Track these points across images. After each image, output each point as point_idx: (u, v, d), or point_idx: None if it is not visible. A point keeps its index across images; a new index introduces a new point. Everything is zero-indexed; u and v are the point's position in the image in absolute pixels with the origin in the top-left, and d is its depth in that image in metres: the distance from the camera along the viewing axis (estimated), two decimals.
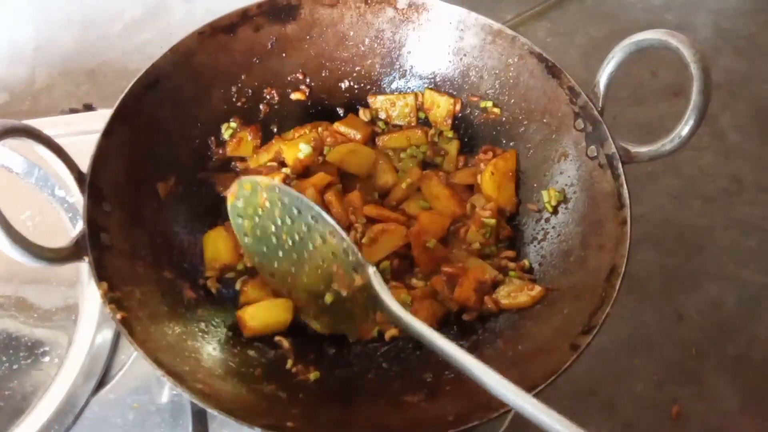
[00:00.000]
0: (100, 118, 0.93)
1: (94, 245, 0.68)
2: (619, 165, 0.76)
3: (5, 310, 0.87)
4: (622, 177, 0.76)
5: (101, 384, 0.84)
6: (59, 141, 1.06)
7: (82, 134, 1.07)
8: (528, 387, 0.62)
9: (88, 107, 1.17)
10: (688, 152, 1.37)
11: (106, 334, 0.86)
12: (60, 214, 0.98)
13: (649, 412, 1.08)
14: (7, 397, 0.81)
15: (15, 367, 0.83)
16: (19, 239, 0.59)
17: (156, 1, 1.51)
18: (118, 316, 0.64)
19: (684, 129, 0.73)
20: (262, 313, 0.78)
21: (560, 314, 0.72)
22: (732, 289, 1.20)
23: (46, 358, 0.85)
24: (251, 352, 0.75)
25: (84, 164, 0.74)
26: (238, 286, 0.82)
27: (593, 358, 1.06)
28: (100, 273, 0.66)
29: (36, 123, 1.09)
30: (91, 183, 0.71)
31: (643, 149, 0.77)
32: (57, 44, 1.45)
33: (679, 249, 1.27)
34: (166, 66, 0.82)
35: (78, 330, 0.87)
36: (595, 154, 0.79)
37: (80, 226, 0.68)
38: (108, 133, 0.75)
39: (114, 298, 0.65)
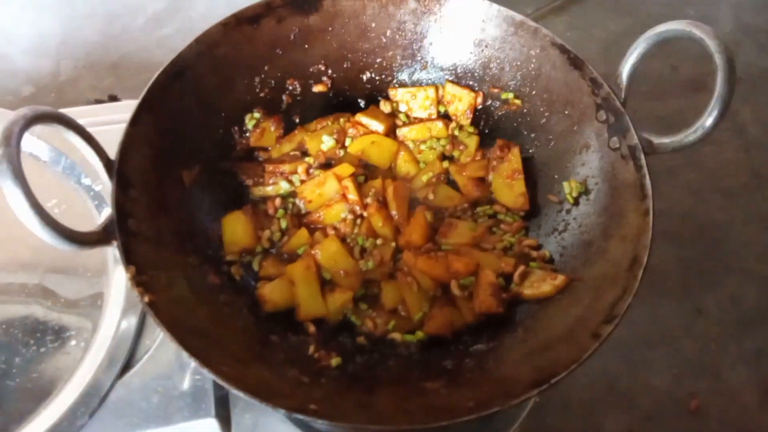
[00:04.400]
0: (125, 108, 0.94)
1: (122, 230, 0.69)
2: (642, 156, 0.76)
3: (32, 297, 0.89)
4: (645, 168, 0.76)
5: (126, 368, 0.85)
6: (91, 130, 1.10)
7: (107, 124, 1.09)
8: (548, 375, 0.63)
9: (113, 98, 1.18)
10: (708, 147, 1.37)
11: (131, 320, 0.87)
12: (86, 202, 1.00)
13: (668, 405, 1.08)
14: (35, 379, 0.83)
15: (42, 350, 0.85)
16: (49, 221, 0.60)
17: None
18: (146, 298, 0.65)
19: (708, 120, 0.73)
20: (280, 287, 0.80)
21: (581, 304, 0.72)
22: (752, 284, 1.19)
23: (72, 342, 0.86)
24: (274, 338, 0.76)
25: (110, 153, 0.75)
26: (255, 266, 0.84)
27: (611, 352, 1.06)
28: (128, 257, 0.67)
29: (66, 113, 1.12)
30: (119, 170, 0.72)
31: (666, 140, 0.77)
32: (81, 38, 1.48)
33: (699, 243, 1.26)
34: (190, 57, 0.83)
35: (104, 316, 0.88)
36: (618, 145, 0.79)
37: (107, 212, 0.70)
38: (135, 121, 0.76)
39: (141, 282, 0.66)
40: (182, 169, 0.82)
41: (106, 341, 0.86)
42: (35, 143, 1.01)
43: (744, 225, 1.28)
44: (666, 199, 1.26)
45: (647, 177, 0.75)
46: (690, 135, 0.75)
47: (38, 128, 0.68)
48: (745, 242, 1.26)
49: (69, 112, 1.11)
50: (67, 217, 0.98)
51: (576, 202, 0.83)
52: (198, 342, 0.65)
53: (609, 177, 0.80)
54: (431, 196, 0.91)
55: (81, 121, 1.10)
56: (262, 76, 0.92)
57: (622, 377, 1.06)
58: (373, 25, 0.94)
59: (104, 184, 0.80)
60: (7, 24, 1.49)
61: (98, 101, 1.17)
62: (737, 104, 1.46)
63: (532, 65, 0.89)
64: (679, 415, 1.07)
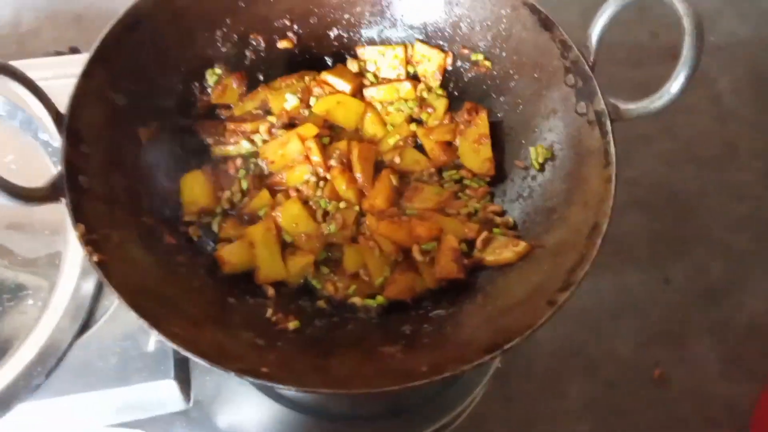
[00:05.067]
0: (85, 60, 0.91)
1: (72, 187, 0.67)
2: (608, 122, 0.75)
3: None
4: (610, 134, 0.74)
5: (84, 328, 0.84)
6: (44, 84, 1.04)
7: (67, 78, 1.06)
8: (503, 341, 0.63)
9: (74, 50, 1.14)
10: (683, 115, 1.36)
11: (90, 280, 0.86)
12: (44, 158, 0.97)
13: (631, 373, 1.09)
14: None
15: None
16: None
17: None
18: (95, 258, 0.63)
19: (673, 85, 0.71)
20: (239, 249, 0.79)
21: (541, 271, 0.72)
22: (720, 255, 1.20)
23: (29, 302, 0.85)
24: (231, 300, 0.75)
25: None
26: (215, 227, 0.82)
27: (577, 320, 1.07)
28: (77, 215, 0.65)
29: (20, 64, 1.07)
30: (70, 124, 0.70)
31: (632, 106, 0.75)
32: None
33: (669, 213, 1.26)
34: (147, 6, 0.79)
35: (61, 275, 0.87)
36: (585, 110, 0.78)
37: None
38: (87, 74, 0.73)
39: (91, 240, 0.65)
40: (139, 125, 0.80)
41: (64, 301, 0.85)
42: None
43: (715, 195, 1.29)
44: (638, 168, 1.25)
45: (612, 143, 0.74)
46: (656, 101, 0.73)
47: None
48: (716, 213, 1.26)
49: (26, 64, 1.08)
50: (24, 172, 0.96)
51: (542, 168, 0.82)
52: (150, 303, 0.64)
53: (575, 143, 0.79)
54: (398, 160, 0.89)
55: (40, 74, 1.06)
56: (224, 29, 0.88)
57: (587, 345, 1.07)
58: None
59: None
60: None
61: (58, 53, 1.13)
62: (715, 73, 1.45)
63: (503, 25, 0.87)
64: (642, 383, 1.09)
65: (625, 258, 1.21)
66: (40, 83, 1.04)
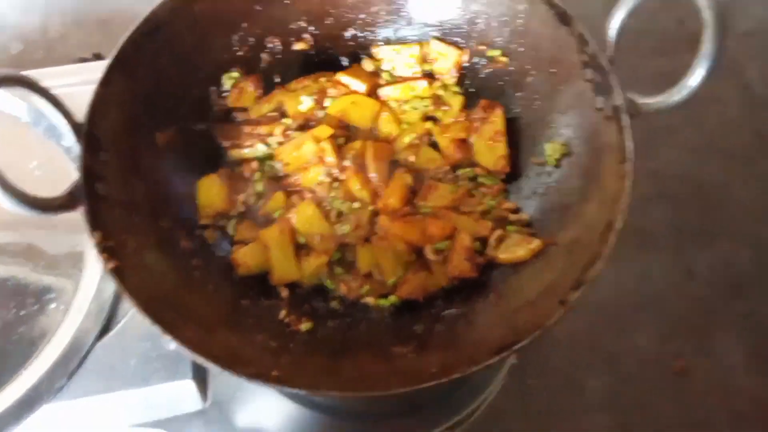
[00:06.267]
0: None
1: (90, 194, 0.68)
2: (625, 117, 0.74)
3: (13, 258, 0.90)
4: (627, 130, 0.73)
5: (105, 330, 0.86)
6: (68, 90, 1.06)
7: (91, 84, 1.08)
8: (513, 341, 0.62)
9: (98, 57, 1.17)
10: (710, 105, 1.32)
11: (111, 282, 0.88)
12: (68, 163, 0.99)
13: (652, 366, 1.07)
14: (15, 341, 0.84)
15: (22, 312, 0.86)
16: (8, 187, 0.60)
17: None
18: (110, 265, 0.65)
19: (692, 79, 0.69)
20: (254, 251, 0.79)
21: (555, 269, 0.71)
22: (746, 246, 1.17)
23: (53, 305, 0.87)
24: (245, 302, 0.76)
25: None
26: (230, 230, 0.83)
27: (596, 313, 1.05)
28: (94, 222, 0.67)
29: (46, 73, 1.11)
30: (88, 132, 0.71)
31: (649, 101, 0.74)
32: None
33: (695, 205, 1.23)
34: (165, 13, 0.81)
35: (84, 277, 0.89)
36: (602, 105, 0.76)
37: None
38: (106, 82, 0.74)
39: (107, 247, 0.66)
40: (156, 130, 0.81)
41: (86, 303, 0.87)
42: (17, 104, 1.00)
43: (743, 187, 1.25)
44: (662, 159, 1.22)
45: (629, 139, 0.72)
46: (675, 95, 0.71)
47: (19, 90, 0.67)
48: (743, 204, 1.22)
49: (52, 71, 1.11)
50: (49, 178, 0.98)
51: (558, 165, 0.81)
52: (164, 309, 0.65)
53: (592, 138, 0.77)
54: (413, 158, 0.88)
55: (64, 81, 1.10)
56: (241, 33, 0.89)
57: (606, 338, 1.06)
58: None
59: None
60: None
61: (83, 60, 1.15)
62: (744, 61, 1.41)
63: (520, 20, 0.86)
64: (663, 376, 1.06)
65: (648, 249, 1.18)
66: (65, 90, 1.06)
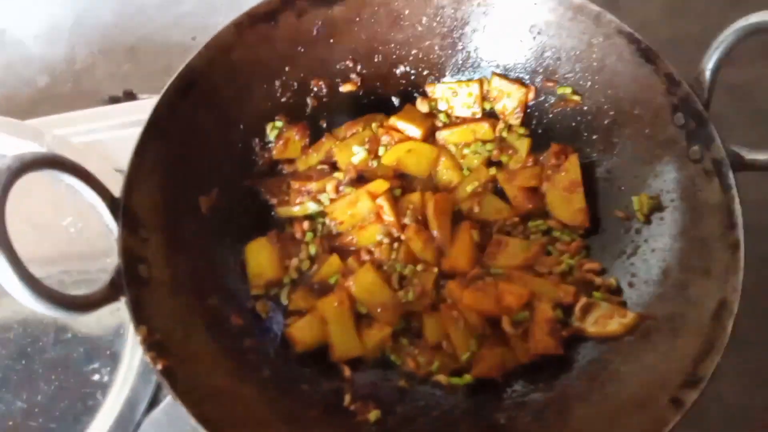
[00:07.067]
0: (142, 109, 0.86)
1: (132, 281, 0.61)
2: (730, 173, 0.65)
3: (52, 330, 0.84)
4: (734, 188, 0.64)
5: (153, 403, 0.80)
6: (98, 137, 1.02)
7: (124, 128, 1.02)
8: None
9: (129, 95, 1.10)
10: None
11: None
12: (103, 217, 0.93)
13: (740, 419, 0.98)
14: (57, 419, 0.79)
15: (64, 387, 0.80)
16: (42, 291, 0.53)
17: None
18: (160, 365, 0.58)
19: None
20: (311, 325, 0.73)
21: (655, 351, 0.63)
22: None
23: (95, 377, 0.81)
24: (304, 386, 0.69)
25: (124, 159, 0.66)
26: (284, 299, 0.76)
27: None
28: (139, 315, 0.60)
29: (76, 116, 1.05)
30: (126, 208, 0.64)
31: (761, 156, 0.64)
32: (94, 19, 1.38)
33: None
34: (200, 66, 0.73)
35: (126, 346, 0.83)
36: (699, 156, 0.67)
37: (115, 260, 0.62)
38: (141, 150, 0.67)
39: (154, 343, 0.59)
40: (198, 194, 0.74)
41: (131, 376, 0.81)
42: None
43: None
44: (741, 183, 1.11)
45: (736, 200, 0.64)
46: None
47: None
48: None
49: (82, 115, 1.05)
50: (84, 235, 0.92)
51: (647, 220, 0.72)
52: (217, 410, 0.59)
53: (688, 194, 0.68)
54: (477, 209, 0.80)
55: (95, 125, 1.04)
56: (283, 78, 0.81)
57: None
58: (407, 11, 0.82)
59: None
60: (18, 6, 1.41)
61: (114, 99, 1.09)
62: None
63: (594, 56, 0.77)
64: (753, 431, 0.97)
65: None
66: (97, 136, 1.02)
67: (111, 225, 0.92)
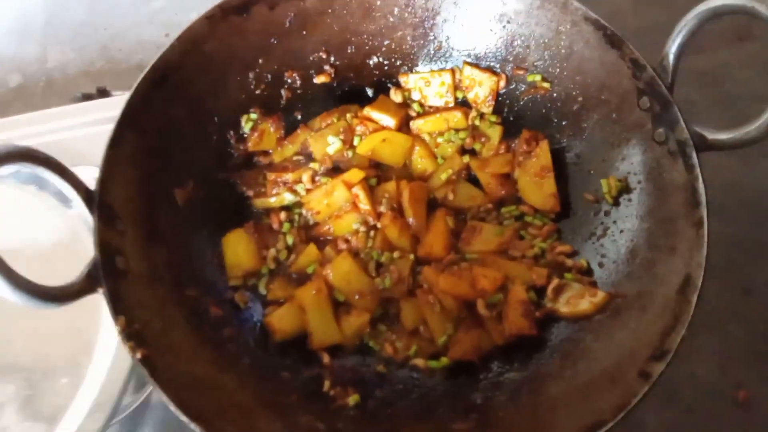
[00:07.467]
0: (115, 106, 0.85)
1: (109, 272, 0.62)
2: (693, 154, 0.66)
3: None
4: (697, 168, 0.66)
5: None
6: (73, 133, 1.02)
7: (98, 124, 1.01)
8: (595, 423, 0.56)
9: (103, 92, 1.09)
10: (756, 104, 1.23)
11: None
12: (85, 228, 0.92)
13: (713, 397, 1.00)
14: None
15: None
16: (21, 283, 0.53)
17: None
18: (139, 354, 0.58)
19: None
20: (289, 314, 0.73)
21: (625, 328, 0.64)
22: None
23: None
24: (285, 374, 0.69)
25: (98, 156, 0.66)
26: (262, 289, 0.77)
27: None
28: (117, 305, 0.60)
29: (49, 114, 1.04)
30: (101, 201, 0.64)
31: (722, 136, 0.66)
32: (67, 17, 1.37)
33: (746, 216, 1.15)
34: (174, 58, 0.73)
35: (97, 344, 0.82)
36: (664, 138, 0.69)
37: (91, 253, 0.62)
38: (115, 142, 0.67)
39: (133, 333, 0.60)
40: (174, 187, 0.74)
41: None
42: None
43: None
44: (709, 167, 1.14)
45: (700, 179, 0.65)
46: (752, 131, 0.64)
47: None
48: None
49: (55, 112, 1.04)
50: (69, 250, 0.90)
51: (616, 203, 0.74)
52: (198, 398, 0.59)
53: (654, 175, 0.70)
54: (451, 196, 0.82)
55: (69, 122, 1.03)
56: (257, 70, 0.82)
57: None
58: (379, 2, 0.83)
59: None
60: None
61: (86, 96, 1.08)
62: None
63: (563, 43, 0.78)
64: (725, 408, 0.99)
65: None
66: (70, 134, 1.02)
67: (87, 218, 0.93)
